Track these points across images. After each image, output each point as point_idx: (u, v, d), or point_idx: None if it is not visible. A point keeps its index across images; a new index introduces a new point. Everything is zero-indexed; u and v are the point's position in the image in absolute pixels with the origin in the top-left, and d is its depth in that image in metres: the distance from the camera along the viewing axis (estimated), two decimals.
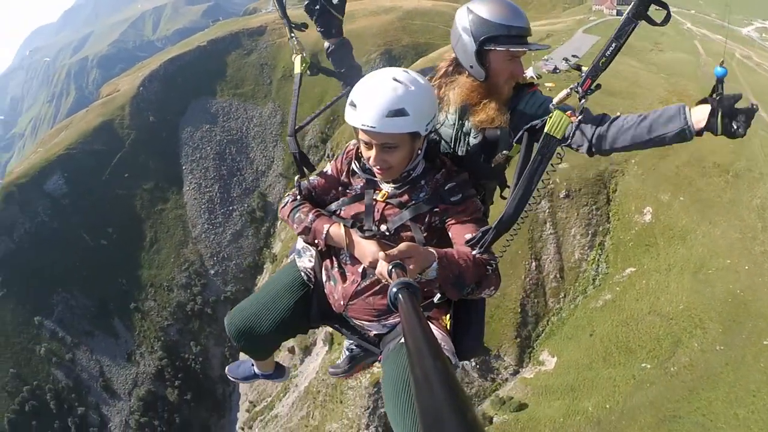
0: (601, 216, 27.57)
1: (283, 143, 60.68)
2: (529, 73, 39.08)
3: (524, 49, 2.29)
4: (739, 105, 1.79)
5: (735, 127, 1.78)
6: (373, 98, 2.01)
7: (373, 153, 2.13)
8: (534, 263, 27.32)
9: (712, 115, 1.82)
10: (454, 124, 2.49)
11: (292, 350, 42.20)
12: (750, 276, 21.26)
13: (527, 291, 27.00)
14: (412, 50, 58.05)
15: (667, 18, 1.81)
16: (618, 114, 2.04)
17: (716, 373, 19.04)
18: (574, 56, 42.58)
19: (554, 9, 72.38)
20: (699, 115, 1.85)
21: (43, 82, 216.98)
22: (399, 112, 2.00)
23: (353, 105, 2.04)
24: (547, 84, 37.51)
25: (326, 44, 3.18)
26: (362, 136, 2.12)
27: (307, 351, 40.94)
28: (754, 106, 1.80)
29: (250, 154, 62.66)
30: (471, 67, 2.37)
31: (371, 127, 2.01)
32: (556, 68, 41.07)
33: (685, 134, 1.90)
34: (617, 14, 59.88)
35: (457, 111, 2.48)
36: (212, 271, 56.89)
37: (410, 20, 66.66)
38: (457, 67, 2.48)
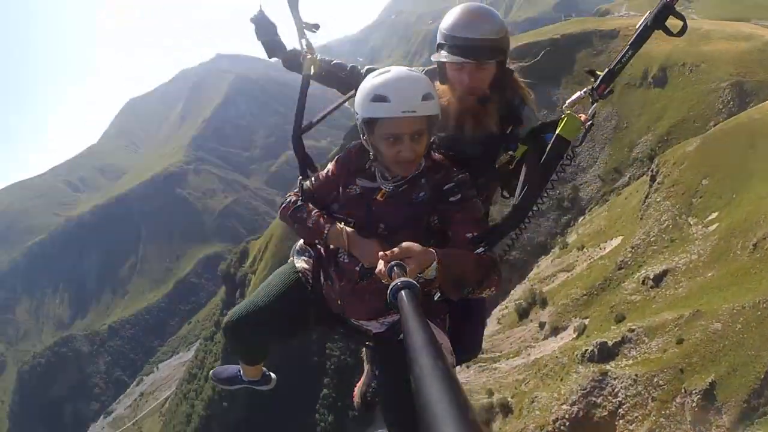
0: None
1: (609, 148, 62.17)
2: None
3: (456, 60, 2.33)
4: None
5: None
6: (406, 86, 2.10)
7: (404, 145, 2.16)
8: None
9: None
10: (448, 130, 2.57)
11: (542, 325, 45.81)
12: None
13: None
14: (767, 87, 51.06)
15: (683, 29, 1.88)
16: None
17: None
18: None
19: None
20: None
21: (401, 40, 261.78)
22: (428, 96, 2.12)
23: (384, 99, 2.09)
24: None
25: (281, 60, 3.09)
26: (392, 129, 2.15)
27: (555, 331, 43.93)
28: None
29: (576, 148, 64.73)
30: (439, 77, 2.52)
31: (412, 111, 2.07)
32: None
33: None
34: None
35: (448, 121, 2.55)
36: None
37: None
38: None
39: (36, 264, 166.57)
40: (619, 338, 32.16)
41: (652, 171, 45.75)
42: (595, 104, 2.11)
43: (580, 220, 58.89)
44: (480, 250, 2.14)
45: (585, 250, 50.74)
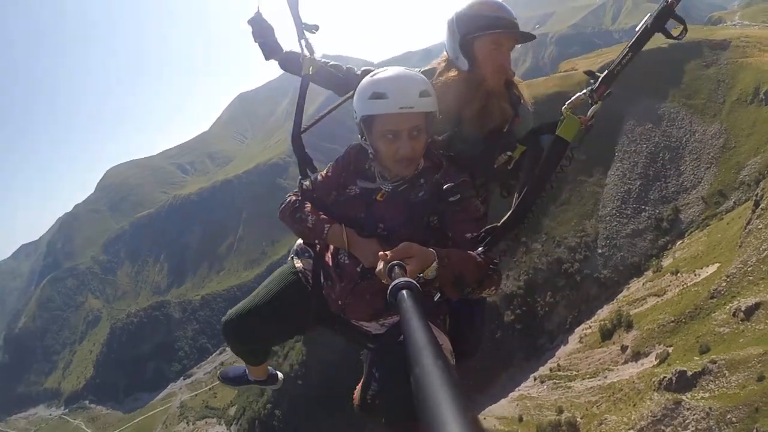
0: None
1: (715, 168, 58.77)
2: None
3: (503, 32, 2.46)
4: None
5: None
6: (404, 83, 2.18)
7: (402, 142, 2.22)
8: None
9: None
10: (448, 128, 2.61)
11: (624, 349, 44.59)
12: None
13: None
14: None
15: (683, 32, 1.93)
16: None
17: None
18: None
19: None
20: None
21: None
22: (426, 93, 2.18)
23: (381, 96, 2.16)
24: None
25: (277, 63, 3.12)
26: (390, 125, 2.21)
27: (636, 356, 42.77)
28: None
29: (680, 166, 62.19)
30: (457, 58, 2.56)
31: (410, 107, 2.14)
32: None
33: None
34: None
35: (452, 115, 2.58)
36: (599, 251, 60.24)
37: None
38: (448, 65, 2.65)
39: (141, 234, 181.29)
40: (699, 369, 31.07)
41: (756, 196, 43.29)
42: (594, 106, 2.14)
43: (678, 243, 56.29)
44: (479, 250, 2.17)
45: (679, 275, 48.82)
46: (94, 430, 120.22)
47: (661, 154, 64.10)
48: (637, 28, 2.00)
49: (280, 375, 3.52)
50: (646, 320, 45.31)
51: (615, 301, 54.89)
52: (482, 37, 2.45)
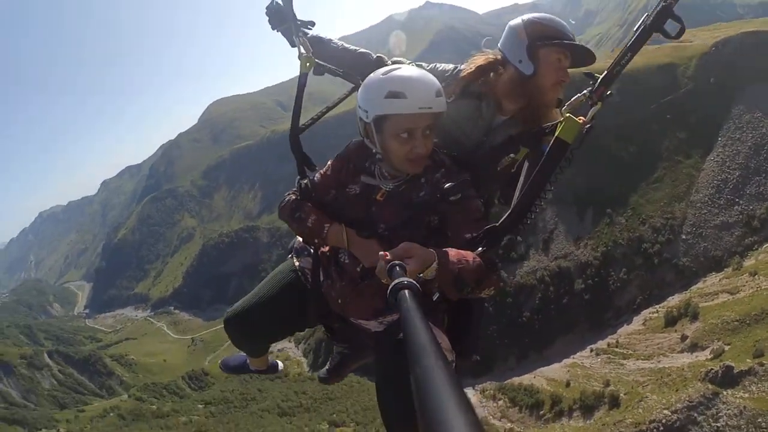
0: None
1: None
2: None
3: (574, 47, 2.48)
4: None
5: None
6: (421, 83, 2.18)
7: (417, 141, 2.23)
8: None
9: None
10: (482, 117, 2.62)
11: (683, 338, 45.44)
12: None
13: None
14: None
15: (681, 31, 1.94)
16: None
17: None
18: None
19: None
20: None
21: (618, 6, 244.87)
22: (440, 92, 2.21)
23: (399, 96, 2.14)
24: None
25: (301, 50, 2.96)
26: (408, 125, 2.20)
27: (693, 348, 43.76)
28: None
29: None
30: (520, 61, 2.51)
31: (429, 107, 2.15)
32: None
33: None
34: None
35: (493, 105, 2.62)
36: (683, 236, 58.86)
37: None
38: (495, 64, 2.63)
39: (239, 163, 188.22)
40: (746, 368, 32.30)
41: None
42: (594, 107, 2.10)
43: (765, 245, 54.56)
44: (479, 250, 2.10)
45: (756, 276, 48.30)
46: (175, 332, 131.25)
47: (766, 147, 60.62)
48: (635, 28, 2.02)
49: (280, 364, 3.66)
50: (711, 314, 45.75)
51: (688, 291, 54.46)
52: (550, 47, 2.48)
